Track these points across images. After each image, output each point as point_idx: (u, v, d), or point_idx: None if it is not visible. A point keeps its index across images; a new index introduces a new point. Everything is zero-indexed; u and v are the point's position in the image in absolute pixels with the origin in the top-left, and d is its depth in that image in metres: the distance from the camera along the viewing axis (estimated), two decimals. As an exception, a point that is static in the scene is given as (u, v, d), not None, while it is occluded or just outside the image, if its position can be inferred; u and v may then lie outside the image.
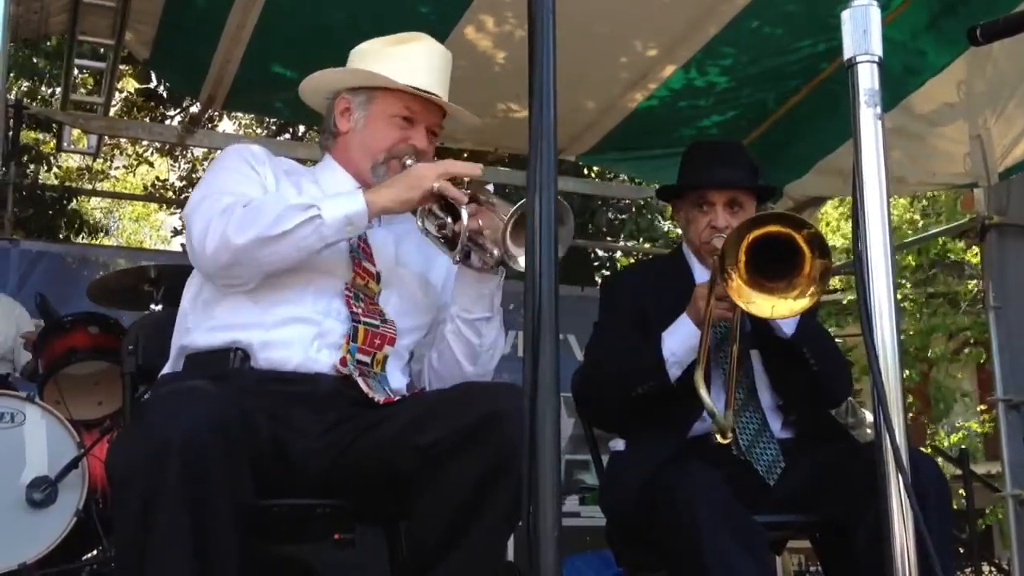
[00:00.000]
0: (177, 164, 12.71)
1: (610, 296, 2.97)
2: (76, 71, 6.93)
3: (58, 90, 7.85)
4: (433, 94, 2.36)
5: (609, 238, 11.11)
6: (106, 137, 8.92)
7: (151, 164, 12.84)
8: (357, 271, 2.25)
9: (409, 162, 2.29)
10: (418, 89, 2.35)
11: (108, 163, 12.77)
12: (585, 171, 9.35)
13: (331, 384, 2.11)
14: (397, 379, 2.30)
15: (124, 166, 13.24)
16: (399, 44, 2.41)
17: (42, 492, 4.27)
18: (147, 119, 10.73)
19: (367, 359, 2.19)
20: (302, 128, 10.52)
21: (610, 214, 10.77)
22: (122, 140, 11.66)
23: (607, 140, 6.18)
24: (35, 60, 9.31)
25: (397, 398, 2.19)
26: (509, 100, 5.71)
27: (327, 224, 2.07)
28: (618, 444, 2.85)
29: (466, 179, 2.12)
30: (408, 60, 2.38)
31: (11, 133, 6.45)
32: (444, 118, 2.46)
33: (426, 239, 2.25)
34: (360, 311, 2.21)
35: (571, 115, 6.02)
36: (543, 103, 0.94)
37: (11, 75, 9.94)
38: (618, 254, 11.38)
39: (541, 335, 0.86)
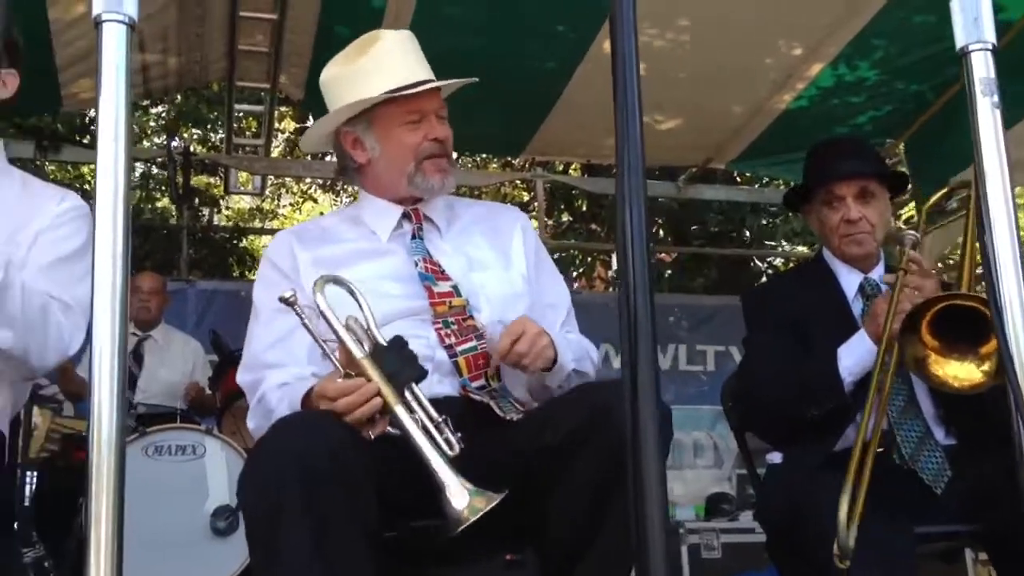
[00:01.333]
0: (339, 199, 13.16)
1: (759, 310, 2.86)
2: (238, 116, 7.29)
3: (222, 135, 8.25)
4: (421, 83, 2.26)
5: (768, 243, 10.87)
6: (270, 176, 9.32)
7: (315, 200, 13.35)
8: (433, 301, 2.21)
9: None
10: (404, 88, 2.25)
11: (275, 202, 13.35)
12: (737, 178, 9.20)
13: (460, 405, 2.11)
14: (516, 387, 2.25)
15: (290, 203, 13.80)
16: (361, 56, 2.30)
17: (225, 520, 4.50)
18: (308, 157, 11.16)
19: (483, 382, 2.18)
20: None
21: (764, 220, 10.52)
22: (287, 178, 12.15)
23: (757, 144, 6.06)
24: (199, 107, 9.82)
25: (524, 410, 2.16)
26: (651, 111, 5.68)
27: None
28: (775, 457, 2.77)
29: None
30: (380, 65, 2.27)
31: (181, 179, 6.82)
32: (441, 94, 2.37)
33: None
34: (454, 340, 2.17)
35: (717, 122, 5.93)
36: (628, 112, 0.92)
37: (180, 123, 10.57)
38: (778, 260, 11.11)
39: (639, 348, 0.84)
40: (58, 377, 5.08)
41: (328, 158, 11.34)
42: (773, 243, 10.87)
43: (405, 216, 2.36)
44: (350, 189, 12.68)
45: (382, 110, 2.29)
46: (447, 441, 1.88)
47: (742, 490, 7.18)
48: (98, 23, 1.07)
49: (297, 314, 2.00)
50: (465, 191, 10.85)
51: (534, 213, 9.53)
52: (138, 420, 5.13)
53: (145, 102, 9.28)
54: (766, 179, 9.00)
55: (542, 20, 4.89)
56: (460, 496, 1.80)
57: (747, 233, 10.55)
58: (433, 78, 2.31)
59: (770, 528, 2.64)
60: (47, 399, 5.13)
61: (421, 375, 1.97)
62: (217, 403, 5.44)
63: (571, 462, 1.87)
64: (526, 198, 11.67)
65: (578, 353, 2.28)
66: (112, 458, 1.01)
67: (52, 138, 5.07)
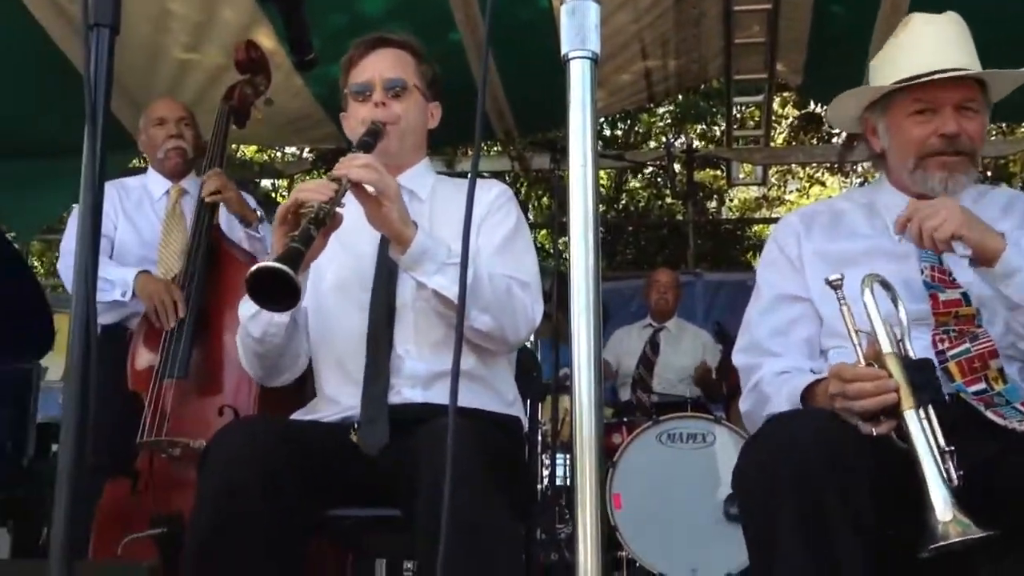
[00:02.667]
0: (848, 180, 12.76)
1: None
2: (736, 109, 7.39)
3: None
4: (935, 73, 2.07)
5: None
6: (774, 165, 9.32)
7: (823, 184, 13.07)
8: (937, 312, 2.04)
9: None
10: (913, 79, 2.08)
11: (781, 189, 13.28)
12: None
13: (951, 409, 1.93)
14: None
15: (796, 189, 13.65)
16: (894, 39, 2.18)
17: (736, 506, 4.58)
18: (813, 141, 10.97)
19: (982, 385, 1.98)
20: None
21: None
22: (792, 164, 12.05)
23: None
24: (700, 103, 10.09)
25: None
26: None
27: None
28: None
29: None
30: (901, 51, 2.14)
31: (684, 176, 7.09)
32: (983, 84, 2.13)
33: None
34: (947, 344, 2.00)
35: None
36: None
37: (683, 121, 10.95)
38: None
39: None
40: None
41: (835, 140, 11.12)
42: None
43: None
44: (860, 169, 12.26)
45: (892, 99, 2.17)
46: (947, 471, 1.76)
47: None
48: (566, 60, 1.20)
49: (839, 299, 1.95)
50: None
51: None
52: (653, 408, 5.43)
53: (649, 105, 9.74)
54: None
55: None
56: (945, 515, 1.69)
57: None
58: (964, 66, 2.12)
59: None
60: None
61: (939, 400, 1.85)
62: (724, 391, 5.58)
63: None
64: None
65: None
66: (593, 437, 1.13)
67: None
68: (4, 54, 4.94)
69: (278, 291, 1.80)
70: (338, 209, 2.04)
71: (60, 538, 1.02)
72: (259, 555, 1.92)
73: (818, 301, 2.16)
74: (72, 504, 1.05)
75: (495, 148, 8.59)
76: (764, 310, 2.25)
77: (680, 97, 10.04)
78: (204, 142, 3.63)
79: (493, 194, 2.44)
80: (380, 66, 2.43)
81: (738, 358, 2.27)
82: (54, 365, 4.37)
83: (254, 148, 9.38)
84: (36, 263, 10.15)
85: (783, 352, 2.19)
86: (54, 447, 4.67)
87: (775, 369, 2.16)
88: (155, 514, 2.73)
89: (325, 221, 1.97)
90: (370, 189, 2.09)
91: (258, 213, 3.45)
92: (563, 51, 1.19)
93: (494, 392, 2.36)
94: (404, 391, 2.25)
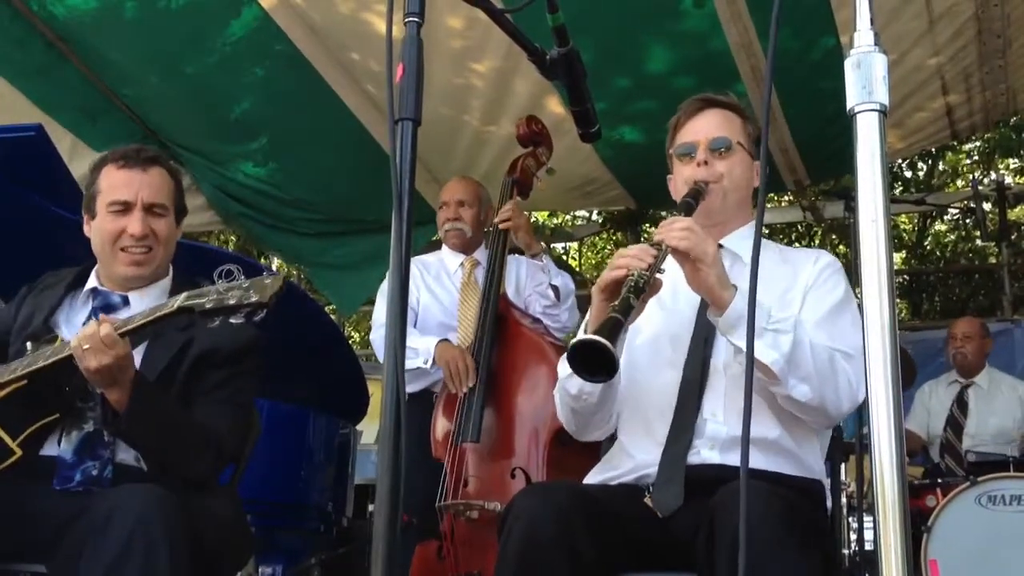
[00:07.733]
0: None
1: None
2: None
3: None
4: None
5: None
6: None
7: None
8: None
9: None
10: None
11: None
12: None
13: None
14: None
15: None
16: None
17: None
18: None
19: None
20: None
21: None
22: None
23: None
24: (1012, 138, 9.37)
25: None
26: None
27: None
28: None
29: None
30: None
31: (996, 216, 6.59)
32: None
33: None
34: None
35: None
36: None
37: (993, 157, 10.20)
38: None
39: None
40: None
41: None
42: None
43: None
44: None
45: None
46: None
47: None
48: (852, 115, 1.16)
49: None
50: None
51: None
52: (968, 468, 5.03)
53: (953, 143, 9.16)
54: None
55: None
56: None
57: None
58: None
59: None
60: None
61: None
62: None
63: None
64: None
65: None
66: (896, 502, 1.07)
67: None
68: (328, 144, 5.43)
69: (595, 361, 1.82)
70: (658, 275, 2.05)
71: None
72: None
73: None
74: (388, 563, 1.12)
75: (785, 198, 8.38)
76: None
77: (988, 132, 9.37)
78: (494, 211, 3.84)
79: (821, 264, 2.38)
80: (706, 126, 2.43)
81: None
82: (368, 429, 4.67)
83: (545, 213, 9.67)
84: (353, 333, 10.88)
85: None
86: (370, 507, 4.98)
87: None
88: (457, 575, 2.84)
89: (644, 288, 1.98)
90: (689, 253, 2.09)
91: (541, 244, 3.77)
92: (849, 105, 1.16)
93: (799, 463, 2.27)
94: (702, 451, 2.22)
